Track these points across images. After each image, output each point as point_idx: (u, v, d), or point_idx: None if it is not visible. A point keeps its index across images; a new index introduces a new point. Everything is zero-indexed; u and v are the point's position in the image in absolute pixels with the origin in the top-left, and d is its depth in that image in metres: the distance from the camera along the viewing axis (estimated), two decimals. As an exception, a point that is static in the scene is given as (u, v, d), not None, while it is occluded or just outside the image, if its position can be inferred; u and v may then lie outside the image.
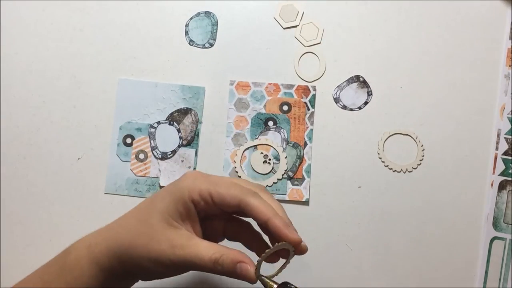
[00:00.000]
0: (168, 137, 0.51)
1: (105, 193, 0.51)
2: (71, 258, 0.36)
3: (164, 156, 0.51)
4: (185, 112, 0.51)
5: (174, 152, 0.51)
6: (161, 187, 0.50)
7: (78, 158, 0.51)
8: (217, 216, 0.37)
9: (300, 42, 0.52)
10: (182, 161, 0.51)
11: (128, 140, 0.51)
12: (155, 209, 0.35)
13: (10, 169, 0.51)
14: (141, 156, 0.51)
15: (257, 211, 0.34)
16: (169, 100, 0.51)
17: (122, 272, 0.36)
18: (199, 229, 0.36)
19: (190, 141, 0.51)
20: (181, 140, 0.51)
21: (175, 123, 0.51)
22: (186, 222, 0.35)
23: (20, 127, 0.51)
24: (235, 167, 0.51)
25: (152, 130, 0.51)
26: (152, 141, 0.51)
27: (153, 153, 0.51)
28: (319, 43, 0.52)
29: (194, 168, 0.51)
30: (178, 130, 0.51)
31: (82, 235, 0.36)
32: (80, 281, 0.35)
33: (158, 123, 0.51)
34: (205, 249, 0.34)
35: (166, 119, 0.51)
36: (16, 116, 0.51)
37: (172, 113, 0.51)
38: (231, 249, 0.34)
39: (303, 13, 0.52)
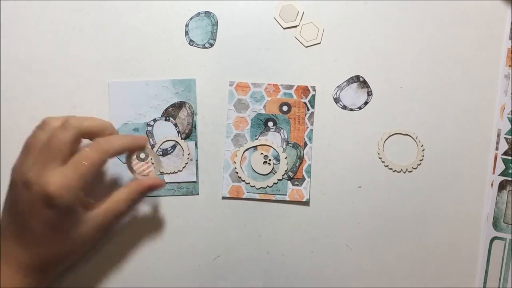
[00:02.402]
0: (166, 133, 0.51)
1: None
2: None
3: (165, 152, 0.51)
4: (179, 106, 0.51)
5: (174, 147, 0.51)
6: (165, 183, 0.50)
7: (78, 158, 0.51)
8: None
9: (300, 42, 0.52)
10: (183, 154, 0.51)
11: (127, 141, 0.51)
12: None
13: (10, 169, 0.51)
14: (142, 155, 0.51)
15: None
16: (162, 97, 0.51)
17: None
18: None
19: (189, 134, 0.51)
20: (179, 134, 0.51)
21: (171, 118, 0.51)
22: None
23: (20, 127, 0.51)
24: (235, 168, 0.51)
25: (150, 128, 0.51)
26: (151, 139, 0.51)
27: (153, 150, 0.51)
28: (319, 43, 0.52)
29: (196, 160, 0.51)
30: (175, 125, 0.51)
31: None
32: None
33: (154, 120, 0.51)
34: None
35: (162, 116, 0.51)
36: (16, 116, 0.51)
37: (167, 109, 0.51)
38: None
39: (303, 13, 0.52)
